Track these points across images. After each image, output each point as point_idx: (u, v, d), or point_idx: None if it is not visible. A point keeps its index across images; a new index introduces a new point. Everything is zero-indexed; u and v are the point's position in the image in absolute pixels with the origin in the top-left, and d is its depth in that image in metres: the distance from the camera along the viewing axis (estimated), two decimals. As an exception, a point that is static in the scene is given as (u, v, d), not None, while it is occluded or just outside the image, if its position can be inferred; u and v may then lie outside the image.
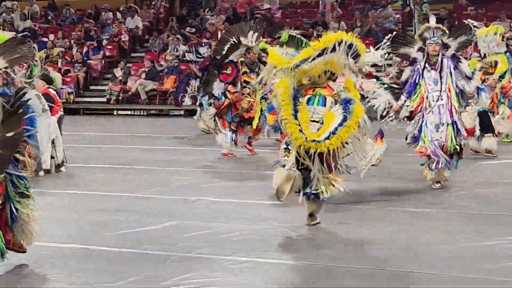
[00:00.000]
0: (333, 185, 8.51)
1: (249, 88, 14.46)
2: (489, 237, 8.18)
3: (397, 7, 27.80)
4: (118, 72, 27.32)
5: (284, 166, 8.69)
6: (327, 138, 8.13)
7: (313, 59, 8.33)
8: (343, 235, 8.57)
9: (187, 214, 9.73)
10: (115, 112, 26.21)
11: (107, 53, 28.72)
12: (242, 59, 14.64)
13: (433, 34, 10.83)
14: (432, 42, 10.78)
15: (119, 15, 30.71)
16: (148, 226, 9.03)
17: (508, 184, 11.49)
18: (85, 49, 28.67)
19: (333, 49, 8.33)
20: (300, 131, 8.19)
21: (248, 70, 14.55)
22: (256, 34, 14.68)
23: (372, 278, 6.92)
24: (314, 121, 8.37)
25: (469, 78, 10.79)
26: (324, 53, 8.34)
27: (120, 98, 26.74)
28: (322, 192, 8.38)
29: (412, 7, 26.06)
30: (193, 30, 28.88)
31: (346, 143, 8.34)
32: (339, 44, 8.33)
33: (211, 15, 29.53)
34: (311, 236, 8.49)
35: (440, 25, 11.17)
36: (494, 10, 26.70)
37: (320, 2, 29.10)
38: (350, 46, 8.36)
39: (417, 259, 7.46)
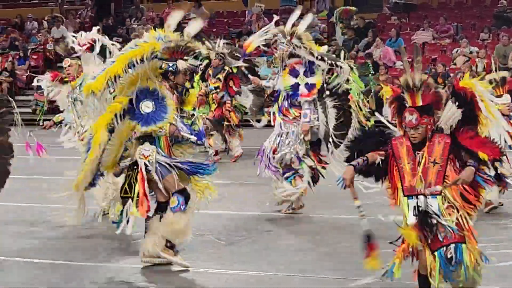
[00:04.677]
0: None
1: (205, 90, 14.78)
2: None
3: (322, 17, 28.07)
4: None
5: None
6: None
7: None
8: (268, 244, 8.69)
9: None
10: (41, 123, 25.89)
11: (33, 63, 28.38)
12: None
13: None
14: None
15: (45, 24, 30.40)
16: (76, 237, 9.02)
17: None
18: (10, 59, 28.27)
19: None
20: None
21: (210, 73, 14.82)
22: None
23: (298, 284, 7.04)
24: None
25: None
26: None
27: (46, 108, 26.40)
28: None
29: (335, 20, 26.35)
30: (120, 39, 28.71)
31: None
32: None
33: (137, 24, 29.43)
34: (239, 245, 8.58)
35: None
36: (417, 20, 27.18)
37: (247, 11, 29.27)
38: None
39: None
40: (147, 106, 7.33)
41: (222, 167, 13.78)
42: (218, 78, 14.67)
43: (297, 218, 9.88)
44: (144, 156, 7.46)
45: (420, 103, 5.70)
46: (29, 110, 25.97)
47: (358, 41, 24.83)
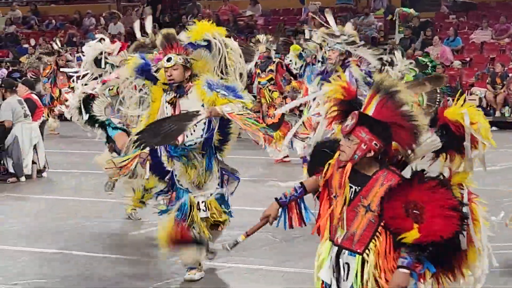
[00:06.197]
0: None
1: (263, 87, 14.40)
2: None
3: (379, 15, 27.86)
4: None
5: None
6: None
7: None
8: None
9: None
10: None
11: (90, 59, 28.59)
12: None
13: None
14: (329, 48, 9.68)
15: (102, 21, 30.64)
16: (129, 232, 9.05)
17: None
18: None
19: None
20: None
21: (259, 71, 14.50)
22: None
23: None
24: None
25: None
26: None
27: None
28: None
29: (396, 17, 26.21)
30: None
31: None
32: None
33: (193, 22, 29.48)
34: (294, 243, 8.52)
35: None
36: (476, 18, 26.83)
37: (303, 9, 29.17)
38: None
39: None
40: None
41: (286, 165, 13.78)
42: (271, 70, 14.29)
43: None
44: None
45: (370, 112, 4.09)
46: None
47: (415, 40, 24.59)
